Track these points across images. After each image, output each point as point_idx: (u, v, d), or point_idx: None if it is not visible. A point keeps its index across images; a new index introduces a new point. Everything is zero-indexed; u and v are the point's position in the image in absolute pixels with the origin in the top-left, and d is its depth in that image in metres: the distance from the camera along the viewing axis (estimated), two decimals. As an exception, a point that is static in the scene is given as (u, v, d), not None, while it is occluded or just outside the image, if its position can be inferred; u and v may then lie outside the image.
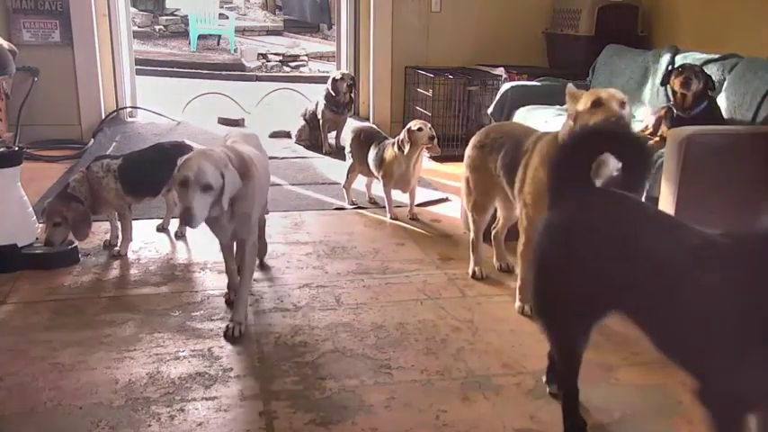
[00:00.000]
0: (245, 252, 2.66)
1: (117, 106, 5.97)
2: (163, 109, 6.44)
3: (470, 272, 3.23)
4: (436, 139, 3.95)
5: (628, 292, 1.69)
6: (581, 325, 1.86)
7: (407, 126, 3.94)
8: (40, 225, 3.39)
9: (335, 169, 5.05)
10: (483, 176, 3.06)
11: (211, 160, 2.33)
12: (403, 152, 3.89)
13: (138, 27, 13.13)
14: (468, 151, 3.14)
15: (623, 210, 1.78)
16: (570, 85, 2.70)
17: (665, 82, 3.77)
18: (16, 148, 3.42)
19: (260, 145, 3.02)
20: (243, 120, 6.46)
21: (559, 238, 1.86)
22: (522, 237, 2.84)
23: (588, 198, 1.88)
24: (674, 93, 3.53)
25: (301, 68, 11.80)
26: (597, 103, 2.50)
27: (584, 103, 2.57)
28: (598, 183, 2.08)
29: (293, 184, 4.64)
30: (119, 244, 3.42)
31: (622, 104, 2.51)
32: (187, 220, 2.30)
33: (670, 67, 4.26)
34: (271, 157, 5.27)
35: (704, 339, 1.53)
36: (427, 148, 3.97)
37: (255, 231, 2.72)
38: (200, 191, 2.28)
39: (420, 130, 3.87)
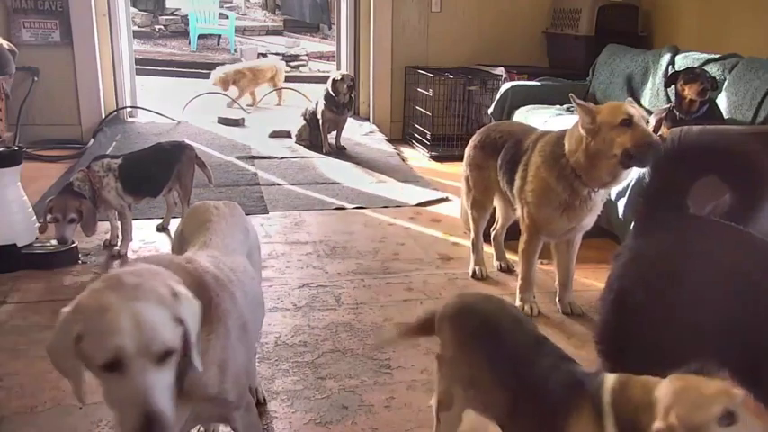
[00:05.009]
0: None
1: (117, 106, 5.97)
2: (163, 109, 6.44)
3: (470, 272, 3.23)
4: None
5: (737, 341, 1.45)
6: (658, 372, 1.60)
7: None
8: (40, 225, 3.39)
9: (335, 169, 5.06)
10: (482, 175, 3.08)
11: (153, 298, 1.24)
12: None
13: (138, 27, 13.11)
14: (469, 150, 3.17)
15: (738, 243, 1.52)
16: (573, 96, 2.57)
17: (669, 83, 3.76)
18: (16, 148, 3.42)
19: (246, 226, 1.88)
20: (243, 120, 6.46)
21: (652, 272, 1.60)
22: (523, 235, 2.84)
23: (690, 228, 1.61)
24: (681, 97, 3.52)
25: (301, 68, 11.79)
26: (627, 122, 2.41)
27: (609, 116, 2.44)
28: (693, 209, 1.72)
29: (293, 184, 4.64)
30: (119, 244, 3.42)
31: (647, 122, 2.46)
32: None
33: (671, 68, 4.27)
34: (271, 157, 5.34)
35: None
36: None
37: (245, 394, 1.58)
38: (156, 365, 1.21)
39: None
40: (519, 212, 2.88)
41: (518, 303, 2.88)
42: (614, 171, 2.51)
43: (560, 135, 2.69)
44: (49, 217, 3.15)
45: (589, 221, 2.75)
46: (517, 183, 2.81)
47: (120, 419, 1.21)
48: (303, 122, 5.72)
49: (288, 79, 10.24)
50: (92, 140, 5.45)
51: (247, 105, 7.30)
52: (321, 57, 12.74)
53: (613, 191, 3.31)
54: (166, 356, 1.22)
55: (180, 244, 1.78)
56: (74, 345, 1.22)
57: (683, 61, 4.26)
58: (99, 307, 1.21)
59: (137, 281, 1.25)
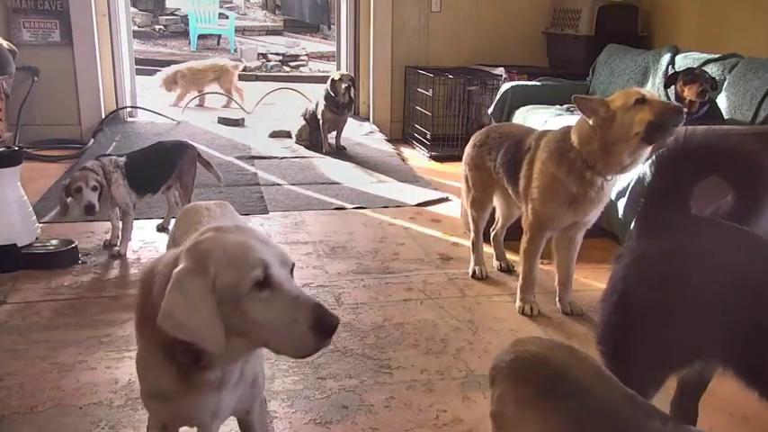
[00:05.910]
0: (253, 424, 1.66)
1: (117, 106, 5.97)
2: (163, 109, 6.44)
3: (470, 272, 3.23)
4: None
5: (740, 342, 1.45)
6: (661, 373, 1.61)
7: None
8: (40, 225, 3.39)
9: (335, 169, 5.06)
10: (482, 174, 3.09)
11: (256, 230, 1.40)
12: None
13: (138, 27, 13.11)
14: (468, 149, 3.18)
15: (741, 244, 1.52)
16: (576, 96, 2.61)
17: (668, 84, 3.76)
18: (16, 148, 3.42)
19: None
20: (243, 120, 6.47)
21: (655, 273, 1.59)
22: (526, 234, 2.84)
23: (693, 229, 1.60)
24: (681, 98, 3.52)
25: (301, 68, 11.79)
26: (641, 100, 2.45)
27: (622, 100, 2.49)
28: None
29: (293, 184, 4.64)
30: (119, 244, 3.42)
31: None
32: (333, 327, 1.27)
33: (671, 69, 4.26)
34: (271, 157, 5.34)
35: None
36: None
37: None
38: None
39: None
40: (523, 210, 2.87)
41: (518, 304, 2.88)
42: (636, 151, 2.52)
43: (565, 131, 2.70)
44: (69, 199, 3.13)
45: (594, 215, 2.76)
46: (522, 182, 2.82)
47: (290, 328, 1.24)
48: (303, 122, 5.73)
49: (288, 79, 10.28)
50: (92, 140, 5.45)
51: (245, 106, 7.29)
52: (321, 57, 12.74)
53: (613, 192, 3.31)
54: (292, 271, 1.31)
55: (173, 246, 1.77)
56: (213, 288, 1.24)
57: (682, 61, 4.26)
58: (224, 244, 1.27)
59: (231, 225, 1.36)
